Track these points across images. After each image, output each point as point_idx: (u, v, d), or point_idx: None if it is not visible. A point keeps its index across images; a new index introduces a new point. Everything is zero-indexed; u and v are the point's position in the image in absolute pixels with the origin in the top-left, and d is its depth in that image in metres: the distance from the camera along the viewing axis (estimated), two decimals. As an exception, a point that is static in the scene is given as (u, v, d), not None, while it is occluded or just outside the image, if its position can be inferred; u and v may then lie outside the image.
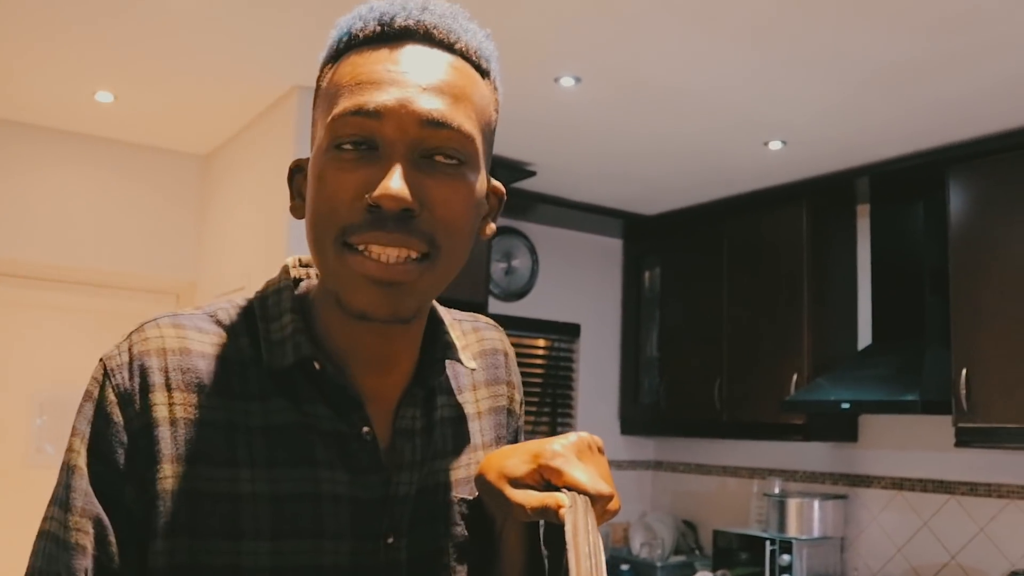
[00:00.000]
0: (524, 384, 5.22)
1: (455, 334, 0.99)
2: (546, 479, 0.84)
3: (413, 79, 0.82)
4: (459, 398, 1.01)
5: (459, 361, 0.97)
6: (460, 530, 0.95)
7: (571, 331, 5.42)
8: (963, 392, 3.66)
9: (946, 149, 3.91)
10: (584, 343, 5.47)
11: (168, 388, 0.84)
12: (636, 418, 5.41)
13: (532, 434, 5.24)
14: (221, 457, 0.83)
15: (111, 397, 0.84)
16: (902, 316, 4.20)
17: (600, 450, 0.89)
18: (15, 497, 4.19)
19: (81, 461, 0.83)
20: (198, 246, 4.68)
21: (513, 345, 4.86)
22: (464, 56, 0.86)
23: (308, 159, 0.90)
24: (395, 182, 0.78)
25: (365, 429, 0.88)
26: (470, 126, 0.83)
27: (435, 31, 0.85)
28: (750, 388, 4.62)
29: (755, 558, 4.37)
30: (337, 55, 0.87)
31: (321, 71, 0.89)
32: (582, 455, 0.86)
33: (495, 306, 4.94)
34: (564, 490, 0.83)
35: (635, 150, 4.19)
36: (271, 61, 3.46)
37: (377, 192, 0.78)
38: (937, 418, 4.00)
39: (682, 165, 4.38)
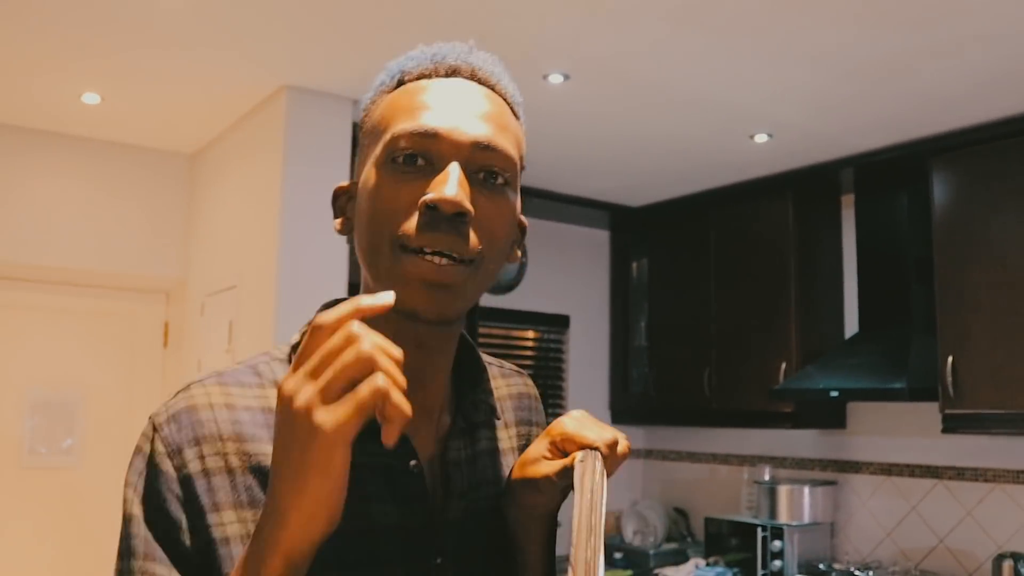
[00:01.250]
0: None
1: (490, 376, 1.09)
2: (562, 450, 0.94)
3: (465, 107, 0.92)
4: (495, 433, 1.08)
5: (493, 408, 1.06)
6: (501, 555, 1.02)
7: (560, 322, 5.45)
8: (949, 379, 3.72)
9: (929, 140, 3.96)
10: (573, 334, 5.51)
11: (220, 439, 0.88)
12: (626, 407, 5.46)
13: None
14: None
15: (160, 449, 0.87)
16: (888, 304, 4.25)
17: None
18: (10, 496, 4.21)
19: (137, 510, 0.86)
20: (188, 245, 4.68)
21: (503, 337, 4.83)
22: (503, 97, 0.97)
23: (351, 183, 0.98)
24: (452, 186, 0.85)
25: (412, 463, 0.94)
26: (513, 151, 0.93)
27: (479, 72, 0.96)
28: (739, 377, 4.67)
29: (746, 544, 4.42)
30: (390, 90, 0.96)
31: (371, 104, 0.98)
32: (586, 419, 0.96)
33: (485, 299, 4.97)
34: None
35: (623, 144, 4.22)
36: (259, 60, 3.46)
37: (435, 194, 0.85)
38: (924, 404, 4.05)
39: (669, 158, 4.42)
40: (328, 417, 0.69)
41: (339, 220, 1.00)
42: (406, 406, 0.69)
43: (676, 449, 5.48)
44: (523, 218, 1.02)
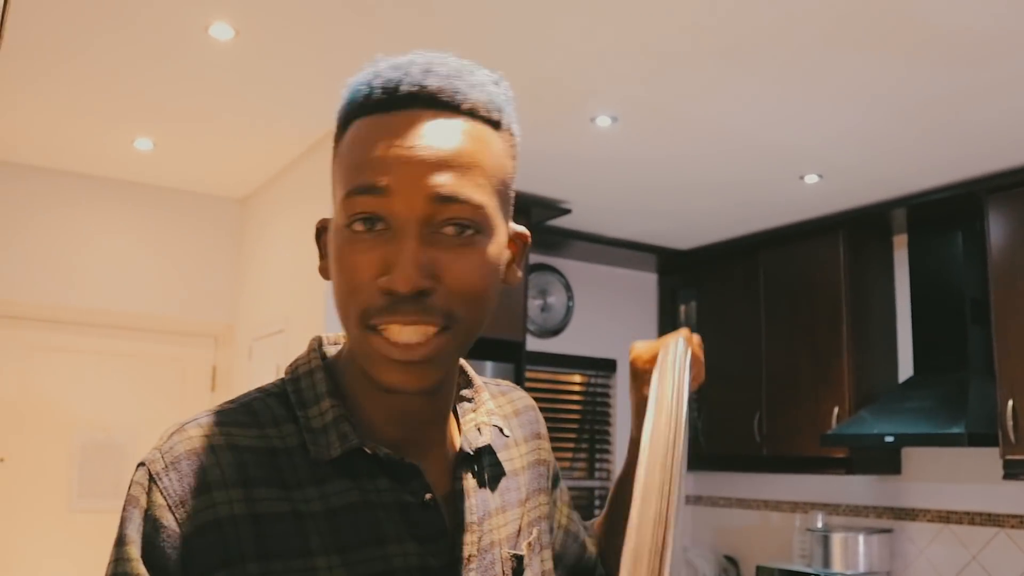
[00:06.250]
0: (562, 420, 5.09)
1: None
2: (644, 371, 1.09)
3: (419, 154, 0.80)
4: (499, 456, 1.02)
5: (500, 428, 1.01)
6: None
7: (607, 366, 5.40)
8: (1010, 423, 3.61)
9: (983, 179, 3.89)
10: (620, 378, 5.45)
11: (225, 486, 0.81)
12: (674, 453, 5.36)
13: (570, 470, 5.22)
14: (294, 549, 0.81)
15: (159, 501, 0.80)
16: (944, 347, 4.15)
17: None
18: (59, 540, 4.22)
19: (141, 569, 0.78)
20: (236, 289, 4.71)
21: (549, 381, 4.80)
22: (472, 115, 0.84)
23: (331, 219, 0.89)
24: (405, 268, 0.78)
25: (428, 496, 0.88)
26: (480, 195, 0.82)
27: (440, 95, 0.82)
28: (790, 421, 4.58)
29: (800, 594, 4.31)
30: (347, 118, 0.86)
31: (338, 128, 0.89)
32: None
33: (531, 343, 4.94)
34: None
35: (671, 186, 4.19)
36: (308, 105, 3.50)
37: (390, 279, 0.78)
38: (983, 450, 3.95)
39: (718, 200, 4.38)
40: None
41: (323, 263, 0.92)
42: None
43: (726, 495, 5.38)
44: (520, 230, 0.93)
